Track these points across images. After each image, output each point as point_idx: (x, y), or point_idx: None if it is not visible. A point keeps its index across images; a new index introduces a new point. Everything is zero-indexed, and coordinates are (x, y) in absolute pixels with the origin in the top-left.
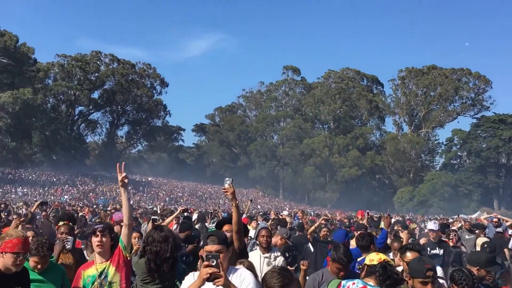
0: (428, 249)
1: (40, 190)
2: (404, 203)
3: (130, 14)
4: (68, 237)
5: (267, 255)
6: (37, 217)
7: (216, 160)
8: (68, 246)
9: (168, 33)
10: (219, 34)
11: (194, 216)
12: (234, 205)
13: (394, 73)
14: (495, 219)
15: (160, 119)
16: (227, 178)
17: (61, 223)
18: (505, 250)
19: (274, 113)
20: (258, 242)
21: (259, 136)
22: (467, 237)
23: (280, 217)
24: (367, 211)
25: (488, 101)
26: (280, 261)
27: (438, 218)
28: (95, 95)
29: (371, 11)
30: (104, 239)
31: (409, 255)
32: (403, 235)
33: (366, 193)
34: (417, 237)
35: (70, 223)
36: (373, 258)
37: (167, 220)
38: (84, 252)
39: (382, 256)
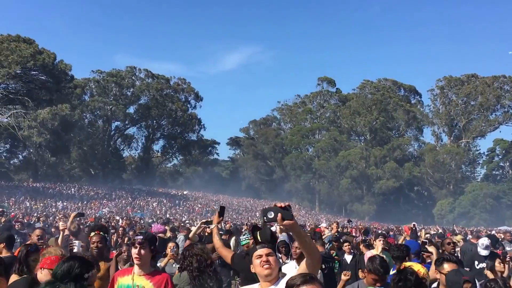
0: (476, 262)
1: (79, 204)
2: (444, 215)
3: (165, 30)
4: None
5: None
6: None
7: (251, 173)
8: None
9: (203, 47)
10: (254, 47)
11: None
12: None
13: (432, 82)
14: None
15: (194, 133)
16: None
17: (92, 233)
18: None
19: (309, 125)
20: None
21: (294, 148)
22: (508, 248)
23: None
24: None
25: None
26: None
27: (482, 230)
28: (131, 110)
29: (406, 20)
30: (142, 251)
31: (446, 266)
32: (431, 249)
33: (405, 205)
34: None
35: (101, 233)
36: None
37: (192, 233)
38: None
39: (409, 264)
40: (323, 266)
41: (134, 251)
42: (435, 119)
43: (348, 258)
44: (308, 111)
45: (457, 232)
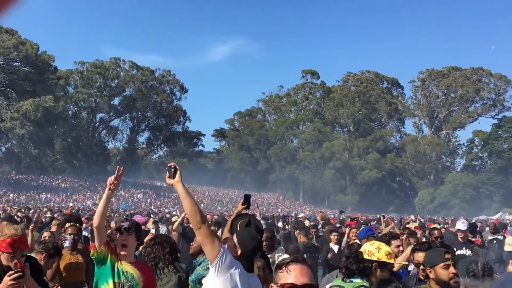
0: (455, 249)
1: (63, 196)
2: (425, 205)
3: (151, 21)
4: (66, 236)
5: (270, 255)
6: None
7: (236, 164)
8: (66, 245)
9: (190, 39)
10: (240, 39)
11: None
12: None
13: (414, 75)
14: None
15: (180, 125)
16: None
17: (67, 224)
18: None
19: (293, 117)
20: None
21: (279, 140)
22: (489, 237)
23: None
24: (383, 214)
25: (509, 101)
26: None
27: (461, 219)
28: (115, 101)
29: (389, 13)
30: (129, 238)
31: (420, 255)
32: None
33: (387, 196)
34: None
35: (77, 224)
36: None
37: (176, 224)
38: None
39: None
40: (306, 256)
41: (121, 238)
42: (416, 111)
43: (334, 247)
44: (293, 102)
45: (436, 221)
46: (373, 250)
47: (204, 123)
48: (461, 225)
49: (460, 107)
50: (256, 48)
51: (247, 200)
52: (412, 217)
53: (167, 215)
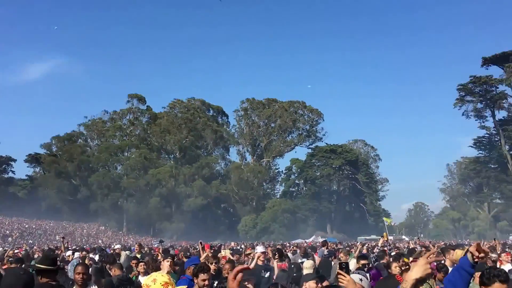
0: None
1: None
2: (248, 230)
3: None
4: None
5: None
6: None
7: (52, 192)
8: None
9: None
10: (61, 58)
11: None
12: None
13: (238, 104)
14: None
15: None
16: None
17: None
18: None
19: (118, 143)
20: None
21: (102, 166)
22: (299, 260)
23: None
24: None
25: (321, 132)
26: None
27: (273, 243)
28: None
29: (214, 41)
30: None
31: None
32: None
33: (212, 223)
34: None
35: None
36: None
37: None
38: None
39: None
40: None
41: None
42: (240, 139)
43: (142, 279)
44: (118, 128)
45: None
46: (149, 283)
47: (15, 147)
48: (262, 248)
49: (279, 137)
50: (78, 68)
51: None
52: (232, 243)
53: None
